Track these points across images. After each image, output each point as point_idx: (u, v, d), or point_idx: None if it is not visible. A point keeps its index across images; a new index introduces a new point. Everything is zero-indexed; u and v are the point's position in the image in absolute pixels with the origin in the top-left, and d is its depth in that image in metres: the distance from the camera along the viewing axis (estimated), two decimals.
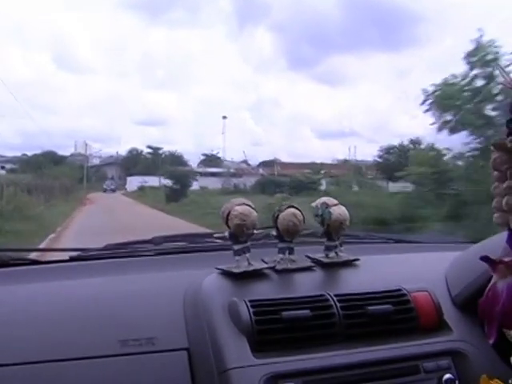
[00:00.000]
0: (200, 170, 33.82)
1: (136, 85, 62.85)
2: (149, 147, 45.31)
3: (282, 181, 26.94)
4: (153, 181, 33.67)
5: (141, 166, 41.57)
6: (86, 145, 43.63)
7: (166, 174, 26.03)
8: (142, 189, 33.60)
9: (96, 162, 48.67)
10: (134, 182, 38.29)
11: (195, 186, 25.67)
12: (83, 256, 1.14)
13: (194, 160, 41.80)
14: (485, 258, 0.61)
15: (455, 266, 1.06)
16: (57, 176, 26.08)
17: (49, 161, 33.58)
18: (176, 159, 39.91)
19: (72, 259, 1.12)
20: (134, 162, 44.31)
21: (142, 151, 46.17)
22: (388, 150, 25.52)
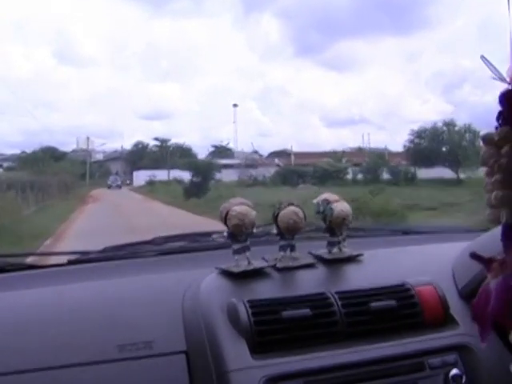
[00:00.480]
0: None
1: (139, 78, 62.99)
2: (156, 139, 44.30)
3: (303, 171, 25.95)
4: (161, 175, 32.64)
5: (147, 160, 40.64)
6: (88, 139, 42.18)
7: (184, 165, 24.25)
8: (151, 183, 32.45)
9: (99, 157, 47.32)
10: (140, 177, 36.78)
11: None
12: (82, 259, 1.13)
13: (202, 152, 41.24)
14: (476, 257, 0.58)
15: (462, 257, 1.03)
16: (57, 172, 24.36)
17: (48, 157, 31.15)
18: (185, 152, 38.64)
19: (70, 263, 1.11)
20: (139, 156, 43.34)
21: (147, 144, 45.42)
22: (420, 134, 24.40)
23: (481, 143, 0.55)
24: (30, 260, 1.19)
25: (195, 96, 63.70)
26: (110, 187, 34.39)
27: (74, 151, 42.61)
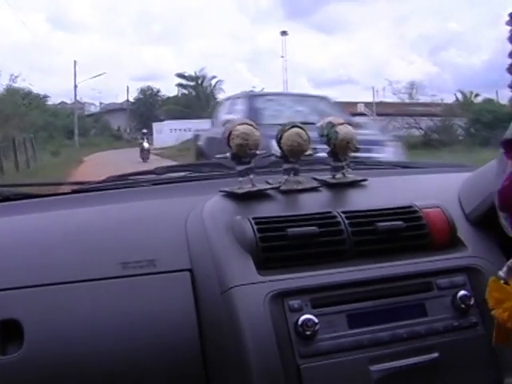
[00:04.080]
0: None
1: (132, 41, 61.02)
2: (181, 76, 32.42)
3: None
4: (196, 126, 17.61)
5: (171, 107, 30.67)
6: (76, 87, 28.91)
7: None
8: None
9: (95, 110, 36.58)
10: (165, 132, 24.99)
11: None
12: (85, 188, 1.12)
13: None
14: (502, 142, 0.56)
15: (468, 183, 1.02)
16: (24, 127, 15.35)
17: (16, 104, 17.76)
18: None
19: (74, 192, 1.10)
20: (149, 105, 33.80)
21: (158, 90, 35.78)
22: None
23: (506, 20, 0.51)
24: (33, 189, 1.18)
25: (187, 58, 61.74)
26: (142, 151, 16.66)
27: (62, 103, 32.53)
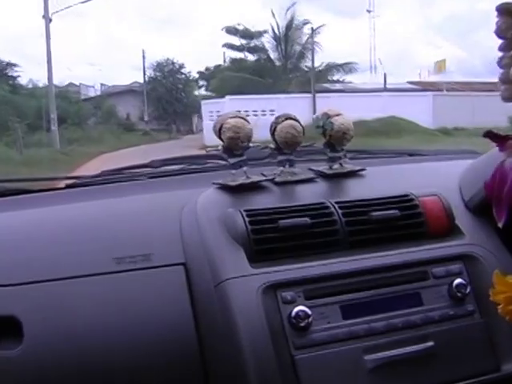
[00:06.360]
0: None
1: (135, 28, 59.66)
2: (231, 31, 21.54)
3: None
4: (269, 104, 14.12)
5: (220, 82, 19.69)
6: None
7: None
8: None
9: (95, 93, 26.60)
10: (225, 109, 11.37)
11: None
12: (79, 183, 1.12)
13: None
14: (490, 135, 0.55)
15: (469, 171, 1.01)
16: None
17: None
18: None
19: (68, 186, 1.10)
20: (171, 86, 24.60)
21: (182, 65, 25.51)
22: None
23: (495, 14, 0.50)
24: (27, 185, 1.18)
25: (192, 46, 60.23)
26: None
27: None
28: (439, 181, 1.01)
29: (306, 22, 20.76)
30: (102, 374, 0.76)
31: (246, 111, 12.69)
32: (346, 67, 21.12)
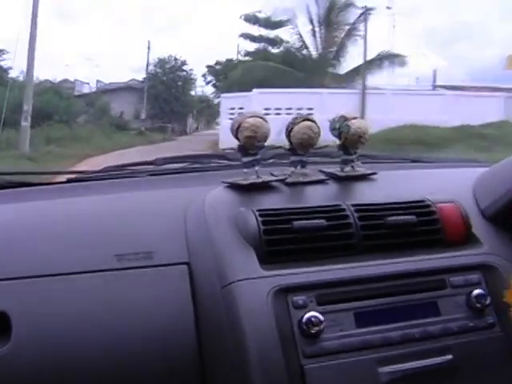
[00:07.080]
0: None
1: (136, 32, 59.17)
2: (249, 19, 18.14)
3: None
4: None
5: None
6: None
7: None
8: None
9: (90, 90, 25.04)
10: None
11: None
12: (81, 178, 1.09)
13: None
14: None
15: (483, 180, 0.99)
16: None
17: None
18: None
19: (70, 181, 1.07)
20: (171, 83, 23.55)
21: (184, 62, 24.46)
22: None
23: None
24: (29, 177, 1.15)
25: (192, 49, 59.83)
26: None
27: (47, 81, 19.92)
28: (452, 187, 0.99)
29: (349, 4, 16.40)
30: (95, 374, 0.72)
31: (278, 109, 11.46)
32: (400, 59, 16.59)
